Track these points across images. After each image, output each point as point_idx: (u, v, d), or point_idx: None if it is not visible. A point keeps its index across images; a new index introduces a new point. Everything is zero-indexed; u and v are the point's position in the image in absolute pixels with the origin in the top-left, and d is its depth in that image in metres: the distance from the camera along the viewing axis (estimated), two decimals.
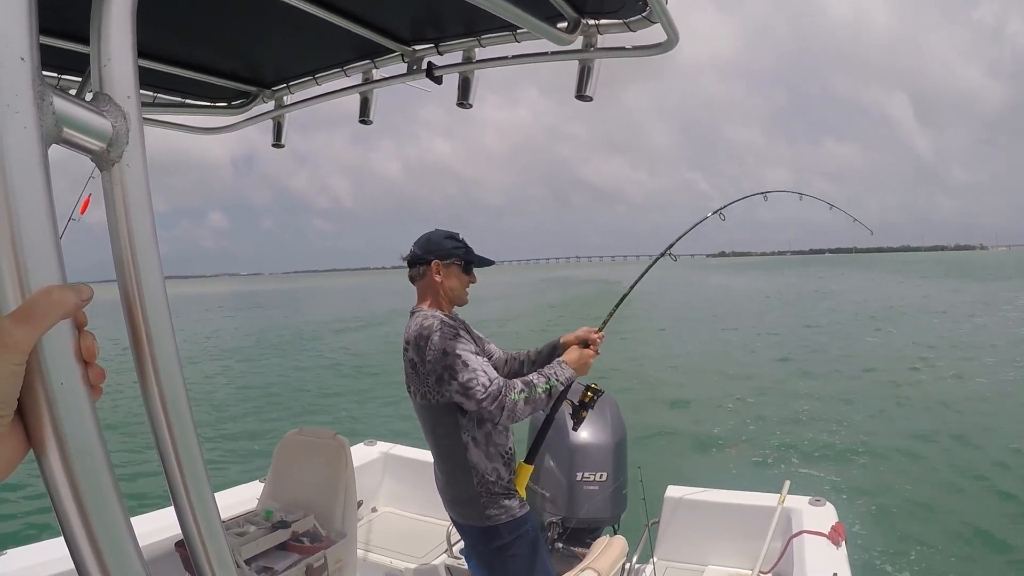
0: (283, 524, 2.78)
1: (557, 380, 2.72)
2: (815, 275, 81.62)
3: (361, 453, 4.66)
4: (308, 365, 21.92)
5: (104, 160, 0.62)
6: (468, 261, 2.89)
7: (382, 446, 4.81)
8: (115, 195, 0.64)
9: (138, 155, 0.64)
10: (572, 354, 2.84)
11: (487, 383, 2.57)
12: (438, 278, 2.81)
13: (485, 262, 2.94)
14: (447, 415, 2.69)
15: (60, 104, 0.57)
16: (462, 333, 2.69)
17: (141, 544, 0.60)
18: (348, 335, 31.26)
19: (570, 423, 3.08)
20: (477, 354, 2.65)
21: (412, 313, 2.84)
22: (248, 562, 2.57)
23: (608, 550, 1.92)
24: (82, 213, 4.02)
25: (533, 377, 2.70)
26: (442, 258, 2.81)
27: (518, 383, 2.64)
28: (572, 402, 3.01)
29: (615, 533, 3.85)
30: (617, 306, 3.11)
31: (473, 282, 2.93)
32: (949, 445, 10.17)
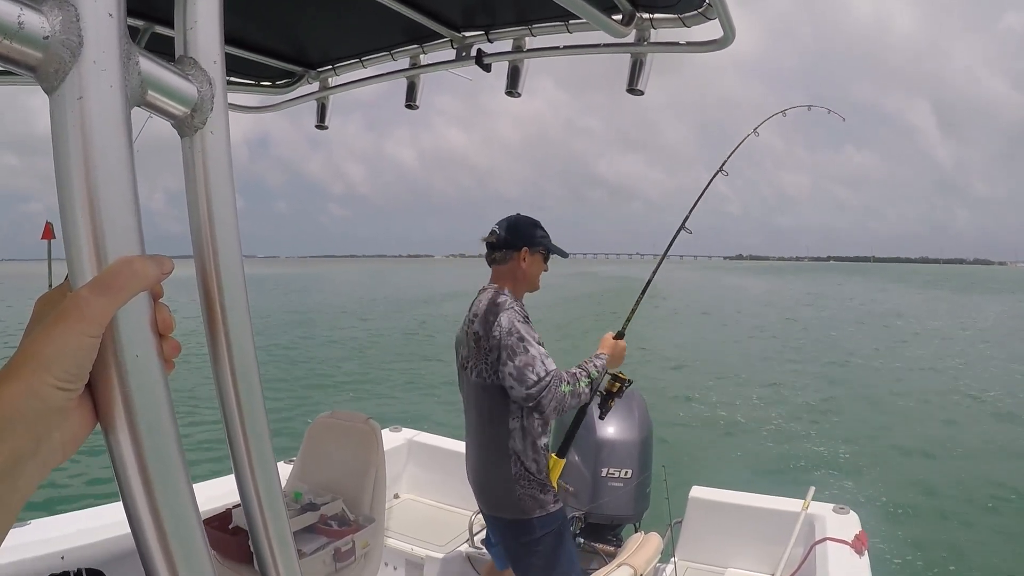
0: (312, 506, 2.78)
1: (597, 371, 2.80)
2: (832, 281, 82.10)
3: (386, 439, 4.63)
4: (335, 349, 22.02)
5: (187, 126, 0.61)
6: (549, 251, 2.94)
7: (407, 432, 4.80)
8: (196, 163, 0.62)
9: (222, 122, 0.62)
10: (607, 344, 2.92)
11: (542, 372, 2.59)
12: (524, 265, 2.84)
13: (562, 253, 3.01)
14: (500, 397, 2.70)
15: (146, 65, 0.55)
16: (530, 319, 2.73)
17: None
18: (379, 320, 31.54)
19: (597, 412, 3.11)
20: (540, 343, 2.67)
21: (482, 290, 2.87)
22: None
23: (644, 547, 1.89)
24: None
25: (576, 370, 2.75)
26: (531, 246, 2.85)
27: (564, 375, 2.68)
28: (600, 391, 3.05)
29: (636, 531, 3.83)
30: (636, 305, 3.17)
31: (547, 271, 2.97)
32: (978, 457, 10.06)
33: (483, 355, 2.68)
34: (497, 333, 2.63)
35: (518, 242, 2.84)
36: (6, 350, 17.38)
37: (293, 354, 20.99)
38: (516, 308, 2.70)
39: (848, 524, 3.43)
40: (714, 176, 3.40)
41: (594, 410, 3.10)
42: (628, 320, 3.17)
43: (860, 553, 3.15)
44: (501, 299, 2.72)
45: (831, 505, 3.67)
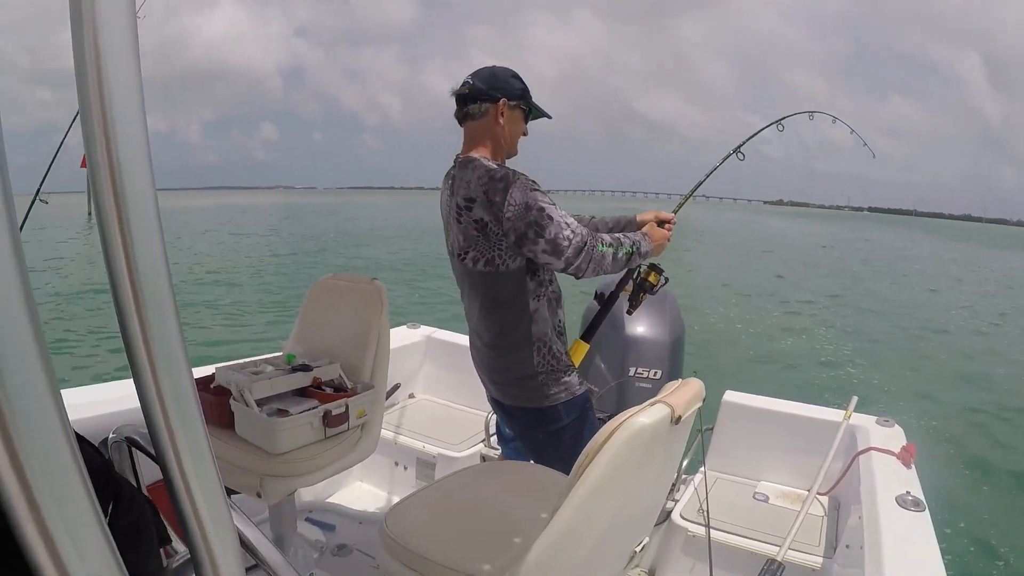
0: (304, 367, 2.51)
1: (638, 248, 2.46)
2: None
3: (403, 335, 4.44)
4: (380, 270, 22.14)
5: None
6: (531, 108, 2.52)
7: (425, 329, 4.58)
8: None
9: None
10: (652, 230, 2.60)
11: (571, 235, 2.25)
12: (502, 120, 2.41)
13: (546, 114, 2.60)
14: (515, 281, 2.36)
15: None
16: (537, 183, 2.32)
17: None
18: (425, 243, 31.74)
19: (626, 305, 2.87)
20: (554, 204, 2.30)
21: (463, 164, 2.42)
22: (260, 403, 2.32)
23: (682, 388, 1.62)
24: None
25: (620, 236, 2.43)
26: (510, 98, 2.41)
27: (606, 237, 2.36)
28: (633, 279, 2.82)
29: None
30: (692, 192, 3.11)
31: (526, 135, 2.55)
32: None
33: (494, 241, 2.31)
34: (511, 214, 2.24)
35: (495, 92, 2.41)
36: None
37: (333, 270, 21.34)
38: (521, 177, 2.29)
39: (893, 437, 3.16)
40: (727, 157, 3.24)
41: (623, 303, 2.88)
42: (681, 205, 2.99)
43: (908, 465, 2.87)
44: (500, 174, 2.29)
45: (874, 417, 3.39)
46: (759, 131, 3.38)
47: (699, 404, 1.67)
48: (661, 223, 2.72)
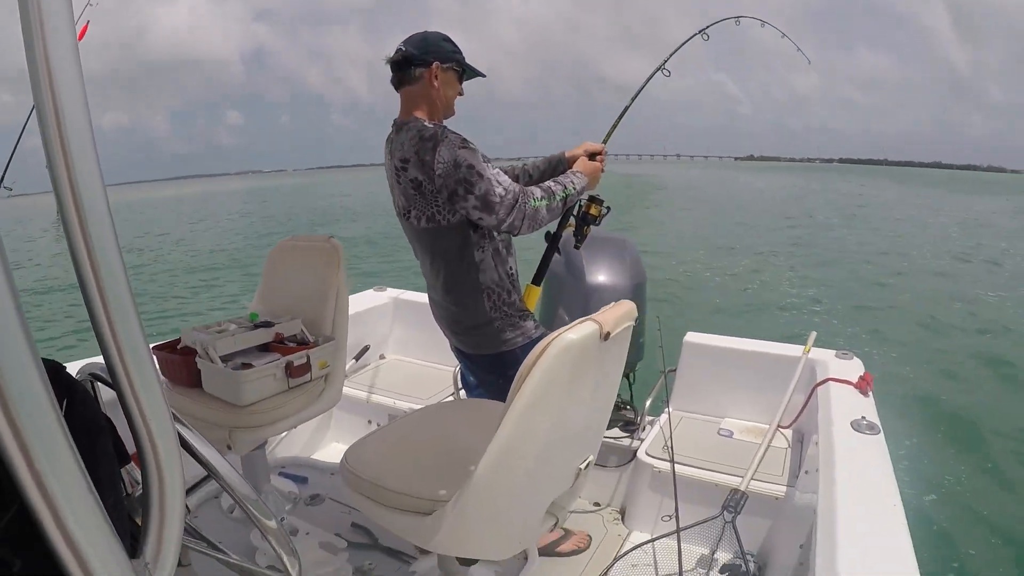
0: (266, 324, 2.60)
1: (574, 188, 2.55)
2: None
3: (370, 298, 4.53)
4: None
5: None
6: (464, 69, 2.59)
7: (392, 292, 4.66)
8: None
9: None
10: (583, 164, 2.69)
11: (503, 192, 2.32)
12: (436, 83, 2.48)
13: (480, 73, 2.66)
14: (459, 234, 2.45)
15: None
16: (469, 141, 2.38)
17: None
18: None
19: (573, 240, 2.94)
20: (487, 162, 2.37)
21: (399, 127, 2.50)
22: (225, 359, 2.40)
23: (612, 308, 1.71)
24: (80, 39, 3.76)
25: (551, 184, 2.50)
26: (442, 60, 2.48)
27: (536, 190, 2.42)
28: (574, 215, 2.89)
29: (631, 382, 3.70)
30: (619, 119, 3.13)
31: (462, 95, 2.63)
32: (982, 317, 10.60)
33: (430, 199, 2.38)
34: (441, 171, 2.31)
35: (428, 56, 2.47)
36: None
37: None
38: (450, 135, 2.36)
39: (852, 368, 3.24)
40: (652, 75, 3.24)
41: (569, 238, 2.95)
42: (609, 134, 3.06)
43: (865, 393, 2.97)
44: (429, 132, 2.36)
45: (833, 351, 3.48)
46: (683, 43, 3.34)
47: (630, 323, 1.76)
48: (592, 156, 2.80)
